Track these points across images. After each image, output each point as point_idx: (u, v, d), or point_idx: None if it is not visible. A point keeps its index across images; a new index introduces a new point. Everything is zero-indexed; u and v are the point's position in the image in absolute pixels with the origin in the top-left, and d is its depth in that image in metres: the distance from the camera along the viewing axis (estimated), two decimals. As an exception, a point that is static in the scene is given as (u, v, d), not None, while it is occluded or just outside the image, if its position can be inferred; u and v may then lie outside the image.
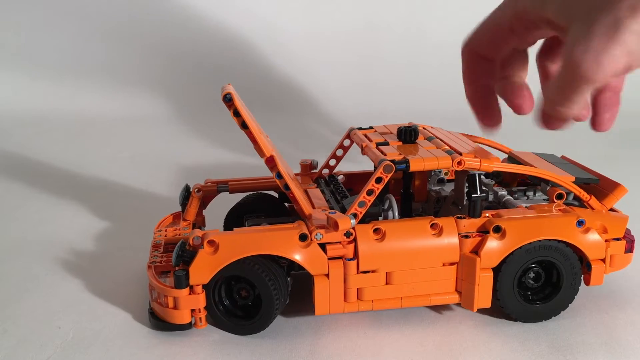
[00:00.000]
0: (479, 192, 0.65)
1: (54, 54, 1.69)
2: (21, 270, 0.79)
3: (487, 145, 0.82)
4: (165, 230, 0.76)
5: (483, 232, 0.65)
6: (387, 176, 0.64)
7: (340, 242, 0.63)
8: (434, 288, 0.65)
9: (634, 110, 1.60)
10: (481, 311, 0.68)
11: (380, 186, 0.64)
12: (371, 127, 0.79)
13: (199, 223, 0.81)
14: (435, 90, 1.60)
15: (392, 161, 0.64)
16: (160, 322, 0.64)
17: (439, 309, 0.69)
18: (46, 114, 1.58)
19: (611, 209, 0.71)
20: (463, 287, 0.65)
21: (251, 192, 0.82)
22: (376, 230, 0.63)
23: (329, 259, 0.63)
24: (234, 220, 0.80)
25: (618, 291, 0.73)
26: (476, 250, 0.64)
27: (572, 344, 0.63)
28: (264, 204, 0.81)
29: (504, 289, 0.65)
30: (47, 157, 1.28)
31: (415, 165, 0.64)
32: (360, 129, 0.79)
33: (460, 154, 0.66)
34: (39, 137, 1.43)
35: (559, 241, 0.65)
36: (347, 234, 0.63)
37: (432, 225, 0.64)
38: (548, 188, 0.71)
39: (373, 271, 0.64)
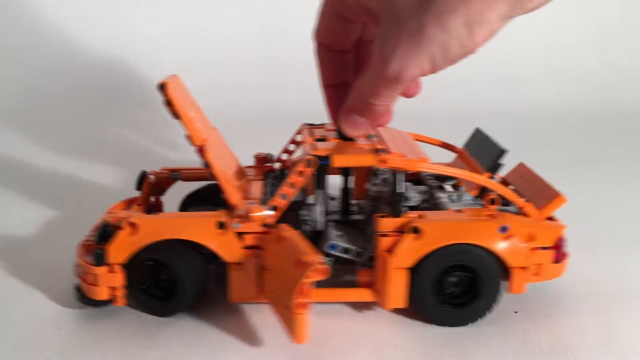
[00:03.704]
0: (399, 193, 0.65)
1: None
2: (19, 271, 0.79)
3: (439, 146, 0.81)
4: (116, 213, 0.79)
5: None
6: (309, 170, 0.65)
7: (258, 232, 0.65)
8: None
9: (627, 110, 1.57)
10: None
11: (303, 180, 0.65)
12: (323, 124, 0.80)
13: (157, 209, 0.84)
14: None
15: (316, 156, 0.65)
16: (83, 297, 0.67)
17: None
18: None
19: (550, 218, 0.70)
20: (378, 285, 0.65)
21: (209, 182, 0.84)
22: (280, 236, 0.63)
23: (246, 247, 0.64)
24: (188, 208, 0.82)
25: (618, 291, 0.72)
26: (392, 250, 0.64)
27: (572, 344, 0.62)
28: (217, 194, 0.82)
29: (421, 290, 0.65)
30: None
31: (338, 161, 0.65)
32: (312, 125, 0.80)
33: (389, 153, 0.66)
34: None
35: (479, 246, 0.64)
36: (266, 225, 0.65)
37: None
38: (464, 189, 0.71)
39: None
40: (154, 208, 0.84)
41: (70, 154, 1.26)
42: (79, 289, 0.68)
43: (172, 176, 0.82)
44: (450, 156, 0.84)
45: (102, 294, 0.66)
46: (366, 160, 0.65)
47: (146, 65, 1.63)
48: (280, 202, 0.65)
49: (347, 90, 0.58)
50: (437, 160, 0.84)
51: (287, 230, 0.62)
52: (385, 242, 0.64)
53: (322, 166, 0.65)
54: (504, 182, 0.80)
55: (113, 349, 0.62)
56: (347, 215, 0.77)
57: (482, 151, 0.73)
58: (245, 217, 0.64)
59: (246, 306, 0.69)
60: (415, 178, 0.81)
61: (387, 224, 0.65)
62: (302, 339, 0.56)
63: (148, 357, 0.61)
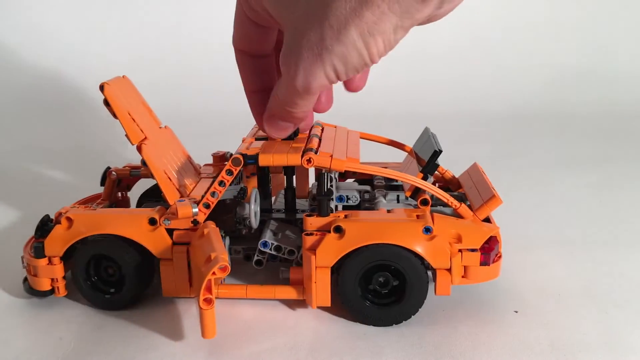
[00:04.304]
0: (323, 193, 0.66)
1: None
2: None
3: (387, 144, 0.82)
4: (79, 207, 0.83)
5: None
6: (236, 169, 0.66)
7: (185, 229, 0.67)
8: None
9: (627, 110, 1.53)
10: (481, 311, 0.68)
11: (231, 178, 0.67)
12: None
13: (122, 204, 0.87)
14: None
15: (243, 155, 0.66)
16: (30, 289, 0.70)
17: (438, 309, 0.69)
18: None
19: (487, 220, 0.69)
20: (305, 284, 0.67)
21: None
22: (202, 233, 0.65)
23: (175, 244, 0.67)
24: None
25: (617, 291, 0.72)
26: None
27: (572, 344, 0.63)
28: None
29: (345, 289, 0.65)
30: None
31: (263, 161, 0.66)
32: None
33: (316, 153, 0.67)
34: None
35: (401, 247, 0.64)
36: (195, 222, 0.67)
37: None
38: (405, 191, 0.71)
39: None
40: (120, 203, 0.87)
41: (48, 157, 1.31)
42: (26, 281, 0.72)
43: (132, 173, 0.85)
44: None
45: (44, 285, 0.69)
46: (292, 160, 0.66)
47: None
48: (211, 199, 0.67)
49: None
50: (391, 159, 0.85)
51: (208, 228, 0.64)
52: (309, 241, 0.65)
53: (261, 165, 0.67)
54: (457, 182, 0.80)
55: (114, 352, 0.62)
56: (293, 214, 0.78)
57: (424, 151, 0.73)
58: (174, 215, 0.66)
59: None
60: (366, 178, 0.82)
61: (313, 222, 0.66)
62: (210, 334, 0.58)
63: (148, 358, 0.61)
